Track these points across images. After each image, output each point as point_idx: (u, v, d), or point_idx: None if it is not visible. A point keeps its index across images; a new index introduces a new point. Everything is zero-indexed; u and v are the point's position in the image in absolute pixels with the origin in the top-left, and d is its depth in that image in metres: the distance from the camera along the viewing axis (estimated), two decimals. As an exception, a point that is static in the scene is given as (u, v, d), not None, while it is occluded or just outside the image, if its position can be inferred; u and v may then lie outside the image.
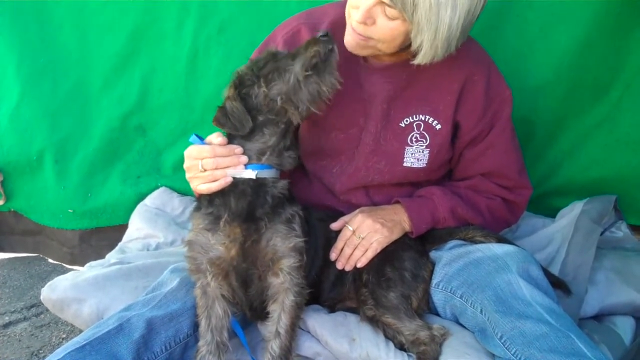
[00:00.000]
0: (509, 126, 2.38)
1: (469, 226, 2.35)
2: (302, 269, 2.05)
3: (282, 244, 1.98)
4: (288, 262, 2.00)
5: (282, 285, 2.01)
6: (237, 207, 1.99)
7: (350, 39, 2.14)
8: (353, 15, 2.06)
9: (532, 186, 2.47)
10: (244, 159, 2.01)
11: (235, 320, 2.17)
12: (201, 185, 2.05)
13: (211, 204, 2.03)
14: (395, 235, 2.30)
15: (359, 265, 2.27)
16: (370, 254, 2.26)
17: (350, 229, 2.28)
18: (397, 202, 2.38)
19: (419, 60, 2.05)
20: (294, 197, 2.14)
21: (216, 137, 2.04)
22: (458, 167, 2.48)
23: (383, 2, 1.92)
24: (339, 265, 2.28)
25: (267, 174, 2.03)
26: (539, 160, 2.99)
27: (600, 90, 2.79)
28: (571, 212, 2.68)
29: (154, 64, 3.39)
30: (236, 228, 1.97)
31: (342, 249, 2.28)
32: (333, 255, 2.28)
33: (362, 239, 2.25)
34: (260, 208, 1.99)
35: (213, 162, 2.00)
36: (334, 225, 2.35)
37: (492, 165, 2.39)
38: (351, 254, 2.27)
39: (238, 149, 2.01)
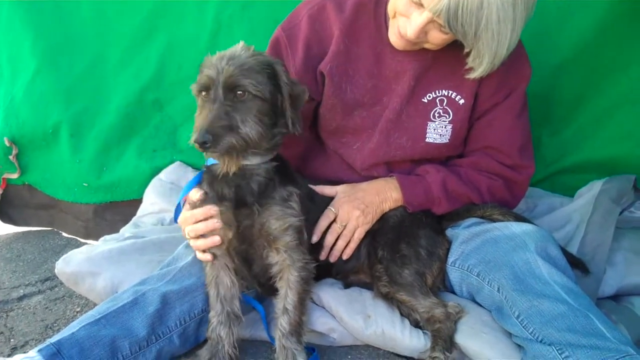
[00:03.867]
0: (519, 103, 2.35)
1: (487, 204, 2.33)
2: (303, 246, 2.04)
3: (276, 225, 1.96)
4: (284, 242, 1.98)
5: (284, 262, 2.00)
6: (226, 195, 1.96)
7: (397, 41, 2.18)
8: (402, 24, 2.08)
9: (535, 165, 2.43)
10: (218, 224, 1.95)
11: (249, 297, 2.18)
12: (197, 255, 2.08)
13: (210, 188, 2.00)
14: (376, 217, 2.31)
15: (344, 257, 2.29)
16: (353, 245, 2.28)
17: (333, 210, 2.28)
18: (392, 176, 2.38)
19: (474, 75, 2.09)
20: (290, 176, 2.08)
21: (195, 193, 2.00)
22: (466, 140, 2.45)
23: (437, 22, 1.94)
24: (322, 256, 2.27)
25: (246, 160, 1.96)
26: (557, 137, 2.97)
27: (620, 70, 2.78)
28: (590, 191, 2.66)
29: (173, 39, 3.37)
30: (229, 214, 1.95)
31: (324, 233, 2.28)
32: (314, 238, 2.25)
33: (344, 227, 2.25)
34: (250, 195, 1.95)
35: (193, 230, 1.99)
36: (326, 191, 2.35)
37: (494, 140, 2.36)
38: (334, 242, 2.27)
39: (214, 210, 1.96)
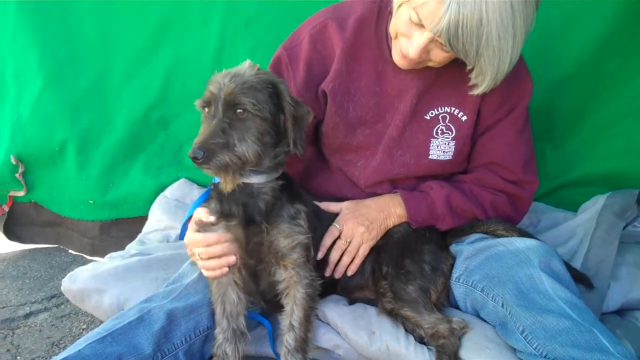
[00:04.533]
0: (521, 119, 2.36)
1: (491, 219, 2.34)
2: (310, 263, 2.04)
3: (284, 243, 1.97)
4: (292, 259, 1.99)
5: (291, 279, 2.01)
6: (234, 212, 1.97)
7: (401, 61, 2.18)
8: (403, 44, 2.09)
9: (539, 179, 2.44)
10: (234, 249, 1.98)
11: (255, 313, 2.19)
12: (204, 272, 2.07)
13: (219, 203, 2.01)
14: (380, 234, 2.31)
15: (349, 273, 2.29)
16: (357, 261, 2.28)
17: (338, 226, 2.28)
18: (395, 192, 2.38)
19: (478, 91, 2.10)
20: (297, 194, 2.09)
21: (205, 214, 2.01)
22: (469, 156, 2.45)
23: (438, 41, 1.95)
24: (327, 273, 2.27)
25: (249, 179, 1.97)
26: (560, 152, 2.98)
27: (621, 84, 2.79)
28: (593, 206, 2.66)
29: (178, 57, 3.39)
30: (237, 229, 1.96)
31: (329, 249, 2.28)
32: (319, 254, 2.24)
33: (349, 243, 2.26)
34: (257, 214, 1.96)
35: (205, 253, 1.99)
36: (331, 208, 2.35)
37: (497, 156, 2.36)
38: (339, 258, 2.27)
39: (227, 236, 1.98)
